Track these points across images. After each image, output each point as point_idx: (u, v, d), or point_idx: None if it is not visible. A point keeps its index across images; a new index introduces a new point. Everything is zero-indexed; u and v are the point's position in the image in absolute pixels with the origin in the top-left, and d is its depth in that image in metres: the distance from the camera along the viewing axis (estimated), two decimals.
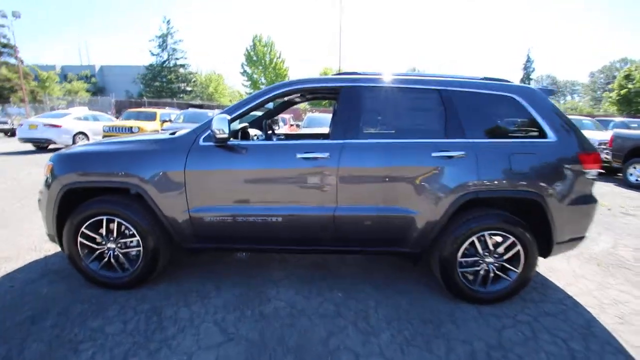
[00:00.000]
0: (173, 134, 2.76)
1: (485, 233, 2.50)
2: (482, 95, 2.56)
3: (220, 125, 2.31)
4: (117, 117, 16.78)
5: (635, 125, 11.81)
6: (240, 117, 2.54)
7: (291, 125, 13.86)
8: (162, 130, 10.83)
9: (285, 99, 3.38)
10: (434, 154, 2.42)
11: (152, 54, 39.30)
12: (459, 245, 2.49)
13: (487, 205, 2.59)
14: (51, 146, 11.84)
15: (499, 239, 2.53)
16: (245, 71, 36.55)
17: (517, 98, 2.56)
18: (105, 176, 2.48)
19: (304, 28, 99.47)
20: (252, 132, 3.45)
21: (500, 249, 2.55)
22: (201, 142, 2.48)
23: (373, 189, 2.46)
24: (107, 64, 50.77)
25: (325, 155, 2.40)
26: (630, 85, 30.15)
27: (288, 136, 4.31)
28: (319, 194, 2.46)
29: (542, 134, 2.53)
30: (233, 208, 2.48)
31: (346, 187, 2.44)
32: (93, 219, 2.51)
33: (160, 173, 2.43)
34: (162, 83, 39.50)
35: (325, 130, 9.98)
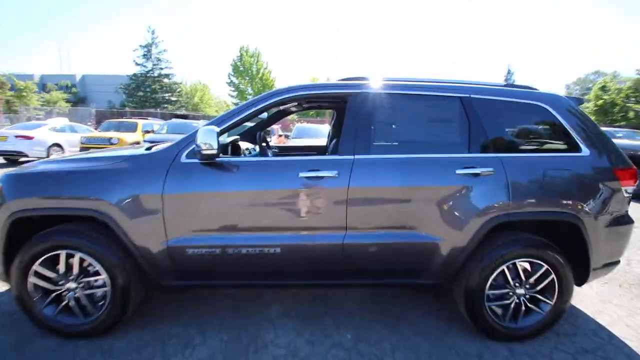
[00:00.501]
0: (149, 148, 2.34)
1: (517, 260, 2.17)
2: (508, 103, 2.26)
3: (207, 139, 1.91)
4: (97, 128, 16.06)
5: (621, 134, 11.96)
6: (230, 129, 2.16)
7: (280, 135, 13.48)
8: (144, 141, 10.29)
9: (281, 107, 3.01)
10: (458, 171, 2.08)
11: (136, 64, 38.51)
12: (487, 275, 2.15)
13: (516, 228, 2.26)
14: (23, 159, 11.08)
15: (527, 265, 2.22)
16: (232, 81, 36.20)
17: (547, 107, 2.26)
18: (63, 201, 2.03)
19: (304, 28, 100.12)
20: (243, 145, 3.06)
21: (533, 279, 2.22)
22: (183, 159, 2.07)
23: (388, 212, 2.10)
24: (89, 73, 49.55)
25: (333, 173, 2.03)
26: (605, 97, 31.17)
27: (282, 149, 3.93)
28: (325, 219, 2.08)
29: (574, 147, 2.24)
30: (222, 238, 2.07)
31: (357, 210, 2.07)
32: (48, 254, 2.04)
33: (132, 197, 2.00)
34: (145, 93, 38.63)
35: (319, 141, 9.78)
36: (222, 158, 2.09)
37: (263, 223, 2.08)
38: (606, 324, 2.56)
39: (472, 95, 2.22)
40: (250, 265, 2.12)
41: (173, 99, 40.28)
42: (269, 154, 2.82)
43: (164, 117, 24.29)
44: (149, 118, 16.21)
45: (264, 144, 2.86)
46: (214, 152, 1.93)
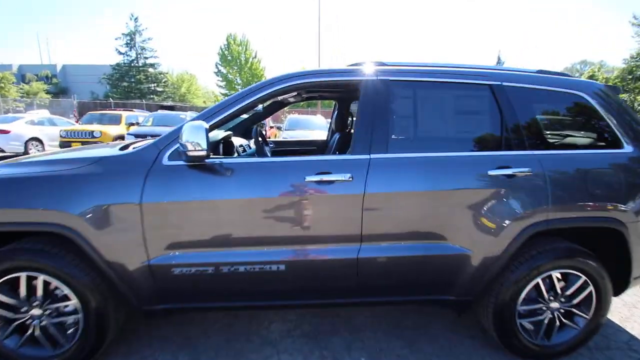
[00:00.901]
0: (124, 148, 1.98)
1: (553, 272, 1.91)
2: (543, 92, 1.97)
3: (195, 137, 1.57)
4: (78, 121, 15.34)
5: None
6: (221, 124, 1.82)
7: (271, 127, 13.06)
8: (128, 134, 9.79)
9: (279, 98, 2.67)
10: (491, 172, 1.79)
11: (119, 53, 37.13)
12: (519, 289, 1.90)
13: (552, 235, 2.00)
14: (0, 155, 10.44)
15: (557, 275, 1.97)
16: (219, 71, 35.21)
17: (586, 97, 1.98)
18: (18, 214, 1.67)
19: (292, 19, 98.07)
20: (237, 141, 2.72)
21: (569, 291, 1.97)
22: (165, 161, 1.73)
23: (409, 221, 1.81)
24: (71, 63, 47.68)
25: (346, 177, 1.72)
26: None
27: (279, 145, 3.57)
28: (337, 230, 1.78)
29: (615, 143, 1.97)
30: (215, 254, 1.75)
31: (374, 219, 1.77)
32: (5, 277, 1.70)
33: (103, 208, 1.65)
34: (130, 83, 37.37)
35: (316, 134, 9.45)
36: (214, 159, 1.76)
37: (264, 236, 1.76)
38: (638, 334, 2.35)
39: (504, 83, 1.92)
40: (249, 285, 1.81)
41: (159, 89, 39.17)
42: (267, 151, 2.48)
43: (149, 108, 23.46)
44: (134, 110, 15.49)
45: (260, 140, 2.53)
46: (203, 153, 1.60)
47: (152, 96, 37.38)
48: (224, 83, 35.38)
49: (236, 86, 33.87)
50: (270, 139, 3.60)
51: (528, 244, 1.86)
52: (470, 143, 1.91)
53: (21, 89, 34.16)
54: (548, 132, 1.96)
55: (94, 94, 40.32)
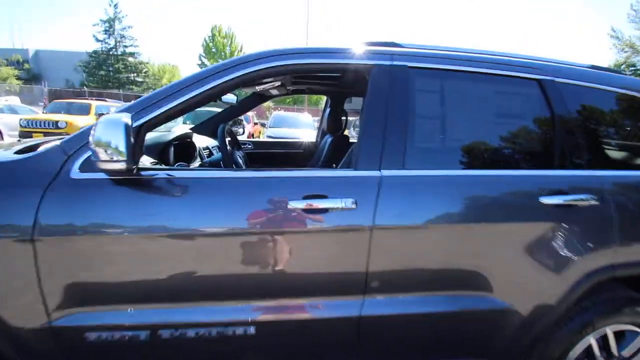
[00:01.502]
0: (26, 150, 1.37)
1: (608, 328, 1.46)
2: (602, 93, 1.50)
3: (110, 138, 1.00)
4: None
5: None
6: (166, 119, 1.24)
7: (255, 124, 12.41)
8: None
9: (258, 89, 2.10)
10: (543, 201, 1.30)
11: (97, 40, 35.42)
12: (567, 349, 1.43)
13: (612, 282, 1.54)
14: None
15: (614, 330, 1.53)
16: (203, 63, 34.08)
17: None
18: None
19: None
20: (202, 142, 2.13)
21: (626, 351, 1.52)
22: (76, 173, 1.14)
23: (433, 266, 1.30)
24: (45, 48, 45.25)
25: (348, 203, 1.19)
26: None
27: (258, 146, 3.00)
28: (330, 278, 1.26)
29: None
30: (152, 313, 1.19)
31: (385, 262, 1.26)
32: None
33: None
34: (108, 72, 35.73)
35: (303, 133, 8.87)
36: (152, 172, 1.19)
37: (225, 286, 1.22)
38: None
39: (556, 79, 1.44)
40: (204, 354, 1.26)
41: (139, 79, 37.71)
42: (238, 158, 1.88)
43: (127, 99, 22.26)
44: (107, 100, 14.47)
45: (228, 139, 1.93)
46: (121, 165, 1.03)
47: (131, 86, 35.91)
48: None
49: None
50: (248, 140, 3.03)
51: (585, 294, 1.39)
52: (514, 157, 1.42)
53: None
54: (612, 146, 1.50)
55: (69, 81, 38.39)
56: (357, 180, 1.25)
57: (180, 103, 1.20)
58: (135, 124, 1.13)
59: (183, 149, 1.77)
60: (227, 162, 1.66)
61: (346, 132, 2.94)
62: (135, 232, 1.15)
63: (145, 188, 1.17)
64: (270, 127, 9.99)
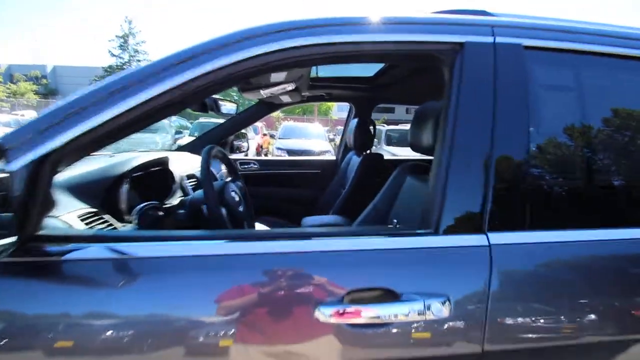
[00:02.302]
0: None
1: None
2: None
3: None
4: None
5: None
6: (94, 144, 0.70)
7: (264, 134, 11.97)
8: None
9: (264, 94, 1.55)
10: None
11: (112, 55, 36.31)
12: None
13: None
14: None
15: None
16: None
17: None
18: None
19: None
20: (185, 167, 1.58)
21: None
22: None
23: None
24: (62, 64, 46.68)
25: (436, 308, 0.62)
26: None
27: (263, 165, 2.44)
28: None
29: None
30: None
31: None
32: None
33: None
34: None
35: (315, 144, 8.22)
36: (58, 247, 0.66)
37: None
38: None
39: None
40: None
41: None
42: (233, 195, 1.21)
43: None
44: None
45: (221, 168, 1.36)
46: None
47: None
48: None
49: (231, 92, 32.91)
50: (252, 159, 2.49)
51: None
52: None
53: (8, 88, 33.03)
54: None
55: None
56: (442, 256, 0.68)
57: (113, 119, 0.66)
58: (32, 156, 0.60)
59: (155, 181, 1.24)
60: (212, 208, 1.00)
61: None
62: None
63: (52, 276, 0.63)
64: (279, 138, 9.53)
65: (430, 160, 1.15)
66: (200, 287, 0.65)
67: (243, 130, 2.40)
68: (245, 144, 2.53)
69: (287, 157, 5.88)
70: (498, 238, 0.70)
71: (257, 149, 10.02)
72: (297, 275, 0.67)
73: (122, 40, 36.22)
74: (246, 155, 2.56)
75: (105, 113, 0.66)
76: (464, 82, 0.75)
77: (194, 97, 0.73)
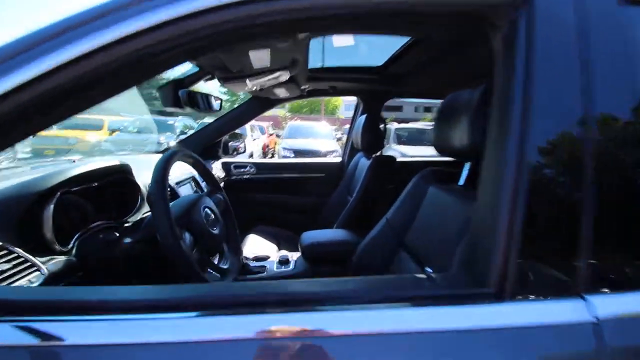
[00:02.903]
0: None
1: None
2: None
3: None
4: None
5: None
6: None
7: (270, 134, 11.76)
8: (104, 142, 8.65)
9: (251, 85, 1.30)
10: None
11: None
12: None
13: None
14: None
15: None
16: None
17: None
18: None
19: None
20: (179, 172, 1.33)
21: None
22: None
23: None
24: None
25: None
26: None
27: (264, 169, 2.19)
28: None
29: None
30: None
31: None
32: None
33: None
34: None
35: (321, 144, 7.94)
36: None
37: None
38: None
39: None
40: None
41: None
42: (211, 213, 0.92)
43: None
44: (120, 114, 14.25)
45: (208, 179, 1.10)
46: None
47: (153, 102, 36.59)
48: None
49: (220, 89, 32.78)
50: (248, 162, 2.24)
51: None
52: None
53: None
54: None
55: None
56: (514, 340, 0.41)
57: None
58: None
59: (114, 195, 0.99)
60: (164, 236, 0.71)
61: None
62: None
63: None
64: (285, 138, 9.31)
65: (453, 162, 0.89)
66: None
67: (238, 131, 2.15)
68: (242, 145, 2.28)
69: (291, 158, 5.63)
70: (605, 312, 0.42)
71: (263, 149, 9.81)
72: None
73: None
74: (251, 155, 2.32)
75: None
76: (534, 47, 0.47)
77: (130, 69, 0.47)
